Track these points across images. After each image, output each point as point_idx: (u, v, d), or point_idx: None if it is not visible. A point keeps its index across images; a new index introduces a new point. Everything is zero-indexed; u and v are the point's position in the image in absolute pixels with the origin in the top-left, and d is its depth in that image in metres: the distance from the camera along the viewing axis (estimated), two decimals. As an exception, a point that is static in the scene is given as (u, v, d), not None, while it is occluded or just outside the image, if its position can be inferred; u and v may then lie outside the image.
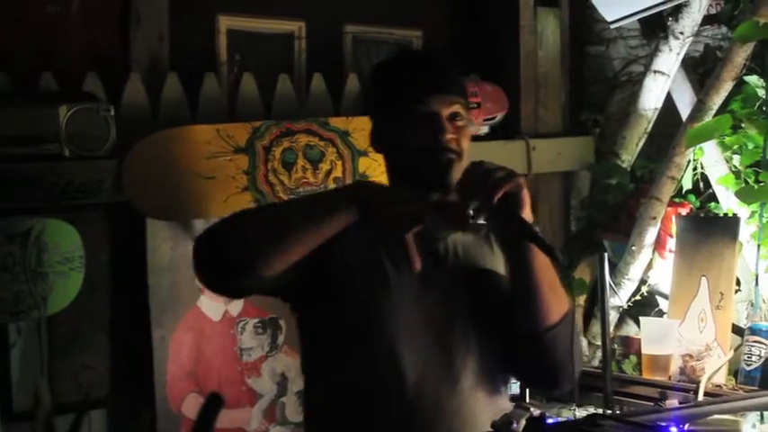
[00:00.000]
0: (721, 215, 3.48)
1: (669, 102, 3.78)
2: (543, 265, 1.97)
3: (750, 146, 3.43)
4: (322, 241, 1.95)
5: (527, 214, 1.93)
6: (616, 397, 3.30)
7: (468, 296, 2.08)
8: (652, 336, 3.43)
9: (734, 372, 3.31)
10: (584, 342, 3.71)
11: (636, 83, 3.89)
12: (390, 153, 2.13)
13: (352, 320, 2.05)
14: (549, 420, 1.79)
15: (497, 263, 2.13)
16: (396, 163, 2.12)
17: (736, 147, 3.47)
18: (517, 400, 2.65)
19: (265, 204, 2.26)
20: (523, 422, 1.73)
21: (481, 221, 1.94)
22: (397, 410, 2.02)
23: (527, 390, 3.08)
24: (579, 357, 2.12)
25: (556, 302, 2.02)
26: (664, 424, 1.82)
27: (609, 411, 3.02)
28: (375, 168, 3.34)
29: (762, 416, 2.04)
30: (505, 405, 2.15)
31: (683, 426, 1.79)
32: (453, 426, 2.04)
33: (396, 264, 2.06)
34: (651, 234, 3.61)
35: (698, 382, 3.22)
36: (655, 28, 3.80)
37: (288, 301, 2.16)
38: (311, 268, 2.00)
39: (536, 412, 1.77)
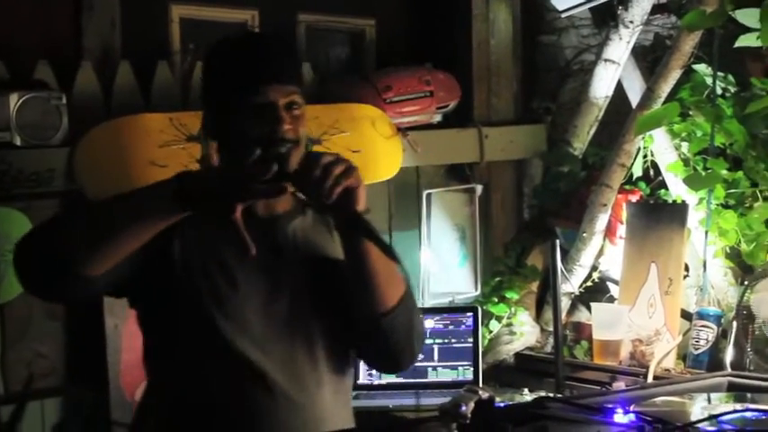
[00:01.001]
0: (670, 202, 3.52)
1: (620, 90, 3.81)
2: (376, 253, 1.95)
3: (698, 133, 3.47)
4: (146, 237, 1.89)
5: (362, 206, 1.91)
6: (568, 382, 3.35)
7: (310, 282, 2.08)
8: (603, 321, 3.47)
9: (683, 356, 3.36)
10: (537, 328, 3.74)
11: (587, 71, 3.92)
12: (225, 143, 2.07)
13: (192, 316, 2.01)
14: (498, 403, 1.82)
15: (337, 247, 2.10)
16: (231, 154, 2.05)
17: (684, 134, 3.50)
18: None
19: (91, 204, 2.17)
20: (472, 405, 1.74)
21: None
22: (243, 406, 2.01)
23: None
24: (420, 336, 2.13)
25: (391, 288, 2.02)
26: (610, 406, 1.84)
27: (558, 395, 3.04)
28: (328, 156, 3.35)
29: (709, 398, 2.08)
30: (349, 388, 2.19)
31: (629, 407, 1.81)
32: (304, 418, 2.03)
33: (235, 255, 2.02)
34: (602, 221, 3.64)
35: (647, 367, 3.27)
36: (605, 17, 3.82)
37: (129, 300, 2.11)
38: (147, 264, 1.97)
39: (485, 395, 1.78)
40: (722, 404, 1.95)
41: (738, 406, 1.93)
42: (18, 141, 2.81)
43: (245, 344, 2.01)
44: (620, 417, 1.74)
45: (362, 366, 3.40)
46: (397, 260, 1.90)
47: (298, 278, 2.07)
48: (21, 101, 2.80)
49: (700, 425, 1.73)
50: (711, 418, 1.78)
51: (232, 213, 1.86)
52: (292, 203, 2.15)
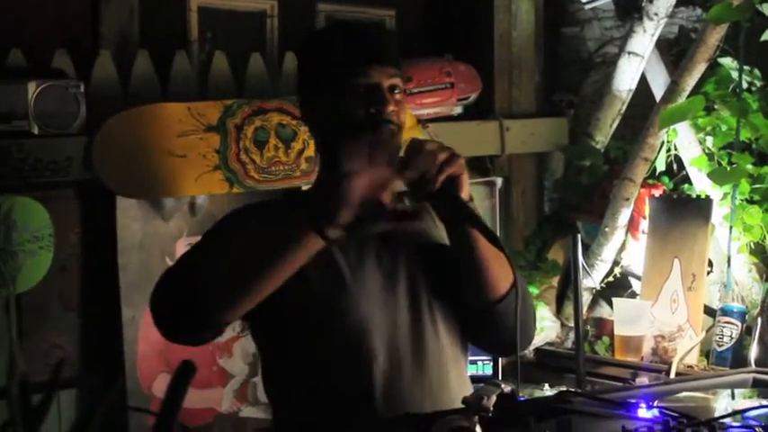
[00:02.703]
0: (694, 197, 3.52)
1: (643, 83, 3.81)
2: (483, 242, 1.94)
3: (723, 127, 3.46)
4: (283, 280, 1.89)
5: (465, 195, 1.90)
6: (589, 378, 3.35)
7: (423, 272, 2.09)
8: (625, 317, 3.48)
9: (706, 353, 3.36)
10: (557, 323, 3.75)
11: (610, 64, 3.92)
12: (327, 126, 2.07)
13: (315, 322, 2.04)
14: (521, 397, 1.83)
15: (442, 234, 2.10)
16: (333, 137, 2.06)
17: (709, 128, 3.50)
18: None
19: (210, 243, 2.09)
20: (494, 398, 1.75)
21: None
22: (369, 398, 2.02)
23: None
24: (533, 320, 2.15)
25: (501, 275, 2.01)
26: (633, 401, 1.84)
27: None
28: (348, 148, 3.37)
29: (733, 394, 2.08)
30: (466, 363, 2.20)
31: (652, 403, 1.82)
32: (429, 404, 2.04)
33: (345, 252, 2.05)
34: (624, 215, 3.64)
35: (670, 363, 3.27)
36: (629, 9, 3.83)
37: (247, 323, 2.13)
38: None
39: (507, 389, 1.79)
40: (747, 400, 1.95)
41: (764, 402, 1.93)
42: (36, 130, 2.82)
43: (367, 335, 2.03)
44: (643, 412, 1.75)
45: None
46: (503, 248, 1.89)
47: (411, 263, 2.09)
48: (39, 89, 2.81)
49: (724, 420, 1.74)
50: (736, 413, 1.79)
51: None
52: (393, 193, 2.10)
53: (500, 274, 2.01)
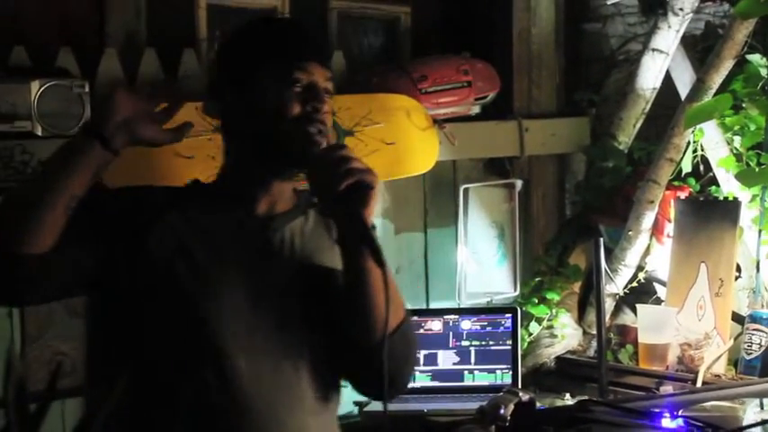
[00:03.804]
0: (721, 199, 3.51)
1: (668, 81, 3.79)
2: (379, 275, 1.91)
3: (752, 127, 3.45)
4: (75, 191, 1.90)
5: (370, 213, 1.90)
6: (611, 387, 3.34)
7: (304, 291, 2.05)
8: (649, 324, 3.47)
9: (734, 361, 3.34)
10: (579, 331, 3.74)
11: (633, 62, 3.91)
12: (251, 120, 2.04)
13: (167, 319, 1.99)
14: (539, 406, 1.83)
15: (337, 258, 2.05)
16: (256, 130, 2.04)
17: (737, 128, 3.49)
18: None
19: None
20: (512, 407, 1.76)
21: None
22: (211, 417, 1.97)
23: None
24: (414, 365, 2.15)
25: (392, 311, 1.92)
26: (657, 410, 1.84)
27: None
28: (362, 149, 3.36)
29: (761, 403, 2.07)
30: (335, 414, 2.14)
31: (677, 412, 1.81)
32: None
33: (220, 254, 2.03)
34: (649, 219, 3.63)
35: (696, 372, 3.25)
36: (653, 4, 3.81)
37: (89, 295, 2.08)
38: (113, 257, 1.97)
39: (525, 397, 1.79)
40: (776, 409, 1.95)
41: (793, 411, 1.92)
42: (39, 131, 2.82)
43: (220, 342, 1.97)
44: (667, 421, 1.74)
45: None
46: (386, 279, 1.86)
47: (289, 285, 2.05)
48: (42, 89, 2.82)
49: (752, 430, 1.73)
50: (764, 423, 1.78)
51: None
52: (294, 203, 2.13)
53: (391, 309, 1.92)
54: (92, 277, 1.99)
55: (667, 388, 3.19)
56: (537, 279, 3.84)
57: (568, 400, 3.40)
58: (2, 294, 2.00)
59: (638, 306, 3.57)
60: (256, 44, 2.09)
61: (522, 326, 3.57)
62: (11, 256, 1.86)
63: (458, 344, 3.45)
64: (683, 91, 3.68)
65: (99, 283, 2.01)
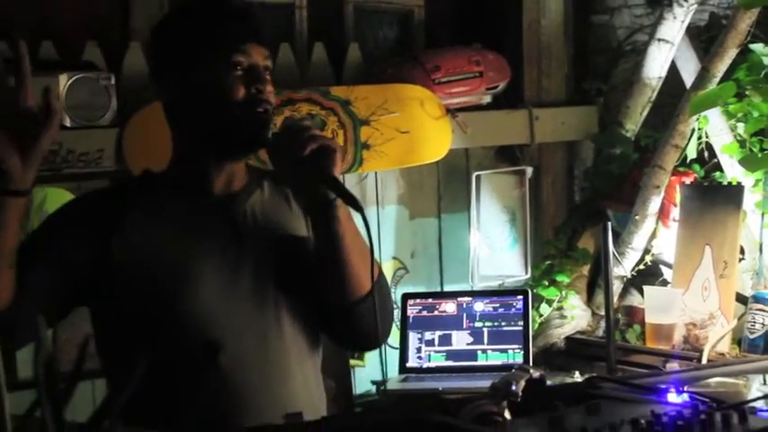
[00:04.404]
0: (725, 184, 3.50)
1: (674, 71, 3.78)
2: (351, 233, 1.94)
3: (755, 114, 3.44)
4: (8, 245, 1.82)
5: (337, 171, 1.89)
6: (619, 366, 3.34)
7: (272, 260, 2.04)
8: (656, 305, 3.46)
9: (738, 340, 3.35)
10: (588, 312, 3.74)
11: (640, 52, 3.90)
12: (197, 105, 1.99)
13: (152, 306, 1.98)
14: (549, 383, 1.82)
15: (299, 224, 2.08)
16: (203, 117, 1.99)
17: (740, 115, 3.48)
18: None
19: None
20: (523, 383, 1.75)
21: None
22: (207, 388, 1.97)
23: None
24: (391, 317, 2.13)
25: (365, 271, 1.94)
26: (663, 386, 1.84)
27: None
28: (377, 137, 3.37)
29: (764, 379, 2.07)
30: (318, 368, 2.14)
31: (683, 388, 1.81)
32: (271, 398, 2.00)
33: (187, 240, 2.01)
34: (655, 203, 3.63)
35: (701, 350, 3.26)
36: (659, -5, 3.81)
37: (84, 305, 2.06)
38: (85, 275, 1.96)
39: (536, 374, 1.79)
40: (778, 385, 1.94)
41: (795, 386, 1.91)
42: (68, 122, 2.84)
43: (207, 327, 1.97)
44: (673, 396, 1.74)
45: (412, 350, 3.42)
46: (365, 218, 1.84)
47: (259, 256, 2.03)
48: (70, 81, 2.83)
49: (754, 404, 1.73)
50: (767, 397, 1.77)
51: None
52: (248, 179, 2.10)
53: (364, 270, 1.95)
54: (72, 298, 1.99)
55: (673, 365, 3.19)
56: (547, 262, 3.84)
57: (578, 378, 3.40)
58: None
59: (644, 288, 3.57)
60: (192, 30, 2.02)
61: (533, 307, 3.56)
62: None
63: (471, 325, 3.45)
64: (689, 80, 3.67)
65: (83, 296, 2.01)
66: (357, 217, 1.91)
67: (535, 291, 3.70)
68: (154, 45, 2.11)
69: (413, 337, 3.40)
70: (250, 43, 1.99)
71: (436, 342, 3.41)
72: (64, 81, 2.82)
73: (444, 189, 3.78)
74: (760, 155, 3.37)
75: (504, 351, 3.43)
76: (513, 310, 3.47)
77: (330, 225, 1.93)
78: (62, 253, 1.97)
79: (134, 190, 2.11)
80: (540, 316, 3.69)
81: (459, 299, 3.49)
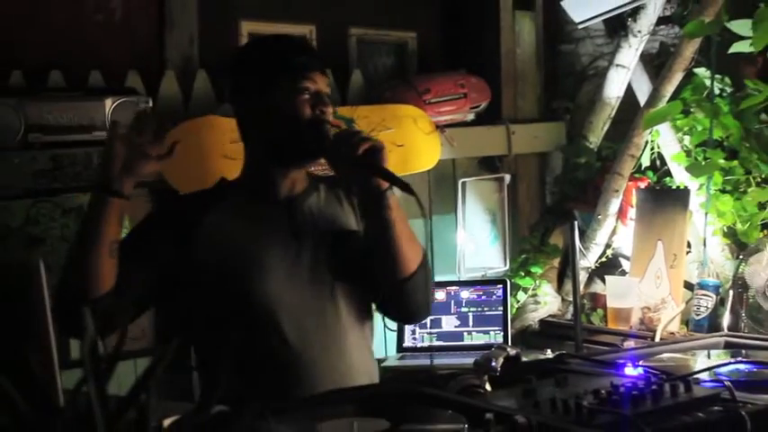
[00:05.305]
0: (674, 188, 3.50)
1: (630, 92, 3.79)
2: (400, 219, 1.97)
3: (699, 128, 3.44)
4: (111, 238, 1.88)
5: (386, 165, 1.93)
6: (585, 344, 3.33)
7: (328, 251, 2.06)
8: (616, 292, 3.46)
9: (685, 321, 3.35)
10: (558, 298, 3.74)
11: (601, 75, 3.90)
12: (270, 125, 2.04)
13: (229, 291, 2.00)
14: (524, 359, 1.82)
15: (350, 220, 2.12)
16: (274, 132, 2.04)
17: (686, 129, 3.48)
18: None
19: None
20: (501, 360, 1.75)
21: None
22: (276, 364, 1.99)
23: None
24: (433, 292, 2.13)
25: (412, 253, 2.00)
26: (621, 361, 1.84)
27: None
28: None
29: (708, 354, 2.07)
30: (371, 341, 2.17)
31: (638, 362, 1.81)
32: (336, 377, 2.01)
33: (258, 235, 2.04)
34: (615, 205, 3.63)
35: (655, 331, 3.26)
36: (617, 28, 3.80)
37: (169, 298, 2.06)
38: (167, 274, 1.98)
39: (512, 352, 1.79)
40: (719, 359, 1.94)
41: (732, 359, 1.92)
42: (112, 139, 2.83)
43: (276, 308, 1.99)
44: (629, 370, 1.74)
45: (408, 332, 3.42)
46: (416, 194, 1.89)
47: (317, 248, 2.06)
48: (114, 105, 2.82)
49: (698, 376, 1.73)
50: (709, 369, 1.78)
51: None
52: (307, 184, 2.14)
53: (411, 251, 2.00)
54: (159, 290, 2.01)
55: (630, 343, 3.19)
56: (523, 256, 3.84)
57: (549, 354, 3.40)
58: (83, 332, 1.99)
59: (606, 277, 3.57)
60: (268, 60, 2.07)
61: (511, 295, 3.57)
62: (82, 302, 1.85)
63: (458, 310, 3.45)
64: (642, 99, 3.67)
65: (168, 289, 2.01)
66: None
67: (513, 280, 3.70)
68: (233, 72, 2.14)
69: (408, 320, 3.40)
70: (315, 72, 2.04)
71: (428, 325, 3.41)
72: (109, 104, 2.82)
73: (434, 194, 3.78)
74: (703, 163, 3.37)
75: (487, 332, 3.43)
76: (494, 297, 3.47)
77: (383, 212, 1.96)
78: (152, 250, 2.00)
79: (212, 195, 2.14)
80: (518, 302, 3.69)
81: (448, 288, 3.49)
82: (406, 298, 2.03)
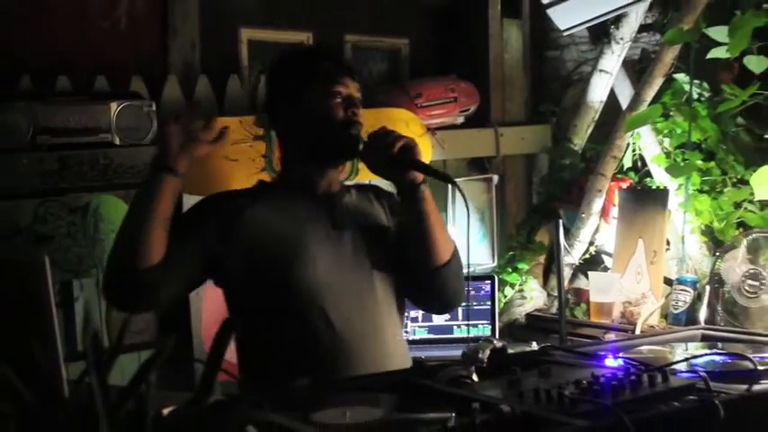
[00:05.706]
0: (654, 188, 3.51)
1: (612, 96, 3.79)
2: (434, 210, 2.02)
3: (678, 130, 3.45)
4: (165, 214, 1.94)
5: (421, 158, 1.99)
6: (569, 337, 3.34)
7: (365, 243, 2.11)
8: (598, 287, 3.47)
9: (664, 315, 3.35)
10: (544, 293, 3.74)
11: (585, 80, 3.90)
12: (305, 126, 2.09)
13: (274, 280, 2.04)
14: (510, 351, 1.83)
15: (382, 216, 2.18)
16: (307, 135, 2.10)
17: (666, 131, 3.49)
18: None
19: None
20: (488, 352, 1.76)
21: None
22: (318, 347, 2.02)
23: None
24: (464, 280, 2.15)
25: (445, 243, 2.06)
26: (603, 353, 1.84)
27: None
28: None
29: (686, 347, 2.07)
30: (402, 329, 2.20)
31: (618, 354, 1.82)
32: (375, 359, 2.04)
33: (299, 229, 2.07)
34: (598, 204, 3.64)
35: (635, 324, 3.26)
36: (600, 35, 3.80)
37: (216, 280, 2.12)
38: (214, 256, 2.02)
39: (499, 344, 1.79)
40: (696, 351, 1.95)
41: (708, 351, 1.92)
42: (117, 141, 2.83)
43: (318, 294, 2.03)
44: (610, 361, 1.75)
45: (400, 325, 3.42)
46: (456, 184, 1.95)
47: (354, 240, 2.11)
48: (119, 108, 2.82)
49: (675, 366, 1.73)
50: (685, 360, 1.78)
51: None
52: (340, 187, 2.18)
53: (445, 242, 2.05)
54: (201, 273, 2.05)
55: (611, 336, 3.20)
56: (510, 253, 3.84)
57: (534, 347, 3.40)
58: (133, 302, 2.01)
59: (589, 273, 3.57)
60: (303, 67, 2.13)
61: (498, 290, 3.57)
62: (134, 272, 1.91)
63: (448, 304, 3.44)
64: (624, 103, 3.67)
65: (212, 272, 2.06)
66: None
67: (500, 276, 3.70)
68: (271, 80, 2.20)
69: (401, 314, 3.39)
70: (346, 78, 2.10)
71: (420, 319, 3.42)
72: (114, 108, 2.81)
73: (426, 194, 3.77)
74: (682, 164, 3.37)
75: (476, 326, 3.44)
76: (483, 292, 3.48)
77: (419, 204, 2.01)
78: (199, 231, 2.04)
79: (254, 190, 2.19)
80: (505, 297, 3.69)
81: (439, 283, 3.48)
82: (442, 285, 2.07)
